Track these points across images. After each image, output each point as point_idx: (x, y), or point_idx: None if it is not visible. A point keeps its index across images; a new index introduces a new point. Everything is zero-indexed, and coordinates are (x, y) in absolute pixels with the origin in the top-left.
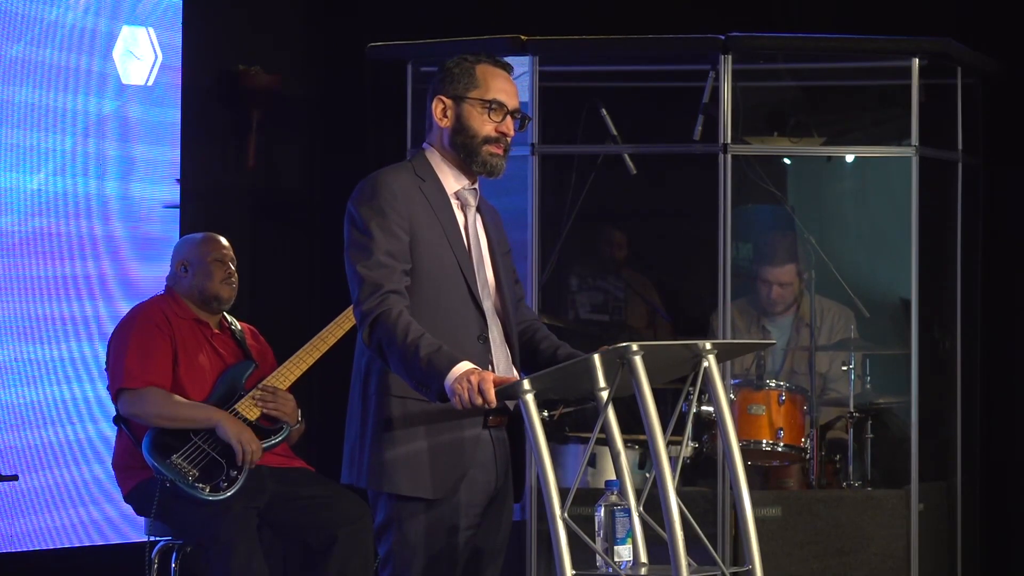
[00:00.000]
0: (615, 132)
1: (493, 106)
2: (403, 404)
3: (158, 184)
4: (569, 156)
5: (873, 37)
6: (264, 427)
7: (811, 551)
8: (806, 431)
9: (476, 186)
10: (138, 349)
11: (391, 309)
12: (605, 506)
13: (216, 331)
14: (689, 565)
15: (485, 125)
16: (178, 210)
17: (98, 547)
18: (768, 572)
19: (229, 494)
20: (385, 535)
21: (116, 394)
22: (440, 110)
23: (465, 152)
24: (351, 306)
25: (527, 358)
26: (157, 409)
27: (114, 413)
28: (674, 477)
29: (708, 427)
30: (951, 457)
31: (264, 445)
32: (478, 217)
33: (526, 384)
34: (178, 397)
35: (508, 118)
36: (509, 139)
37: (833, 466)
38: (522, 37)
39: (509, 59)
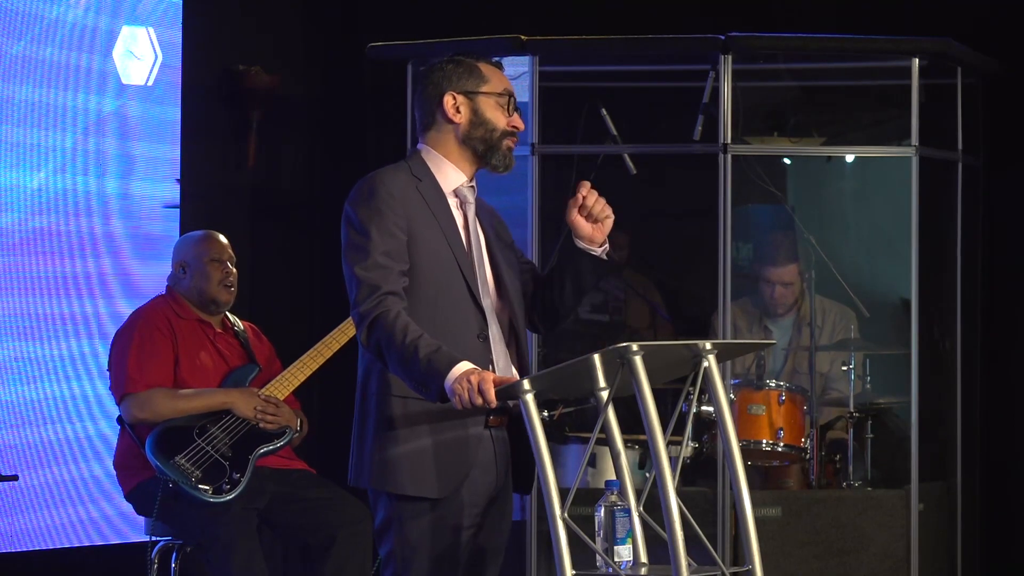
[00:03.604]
0: (615, 132)
1: (507, 98)
2: (404, 404)
3: (158, 183)
4: (569, 156)
5: (873, 37)
6: (267, 431)
7: (811, 551)
8: (806, 431)
9: (474, 183)
10: (138, 354)
11: (389, 310)
12: (605, 506)
13: (219, 331)
14: (689, 565)
15: (501, 118)
16: (178, 210)
17: (98, 547)
18: (768, 572)
19: (231, 496)
20: (386, 535)
21: (120, 400)
22: (452, 106)
23: (485, 146)
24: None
25: (544, 289)
26: (164, 407)
27: (116, 412)
28: (674, 477)
29: (708, 427)
30: (951, 457)
31: (267, 449)
32: (476, 215)
33: (526, 384)
34: (184, 390)
35: (516, 112)
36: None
37: (833, 466)
38: (522, 37)
39: (509, 59)
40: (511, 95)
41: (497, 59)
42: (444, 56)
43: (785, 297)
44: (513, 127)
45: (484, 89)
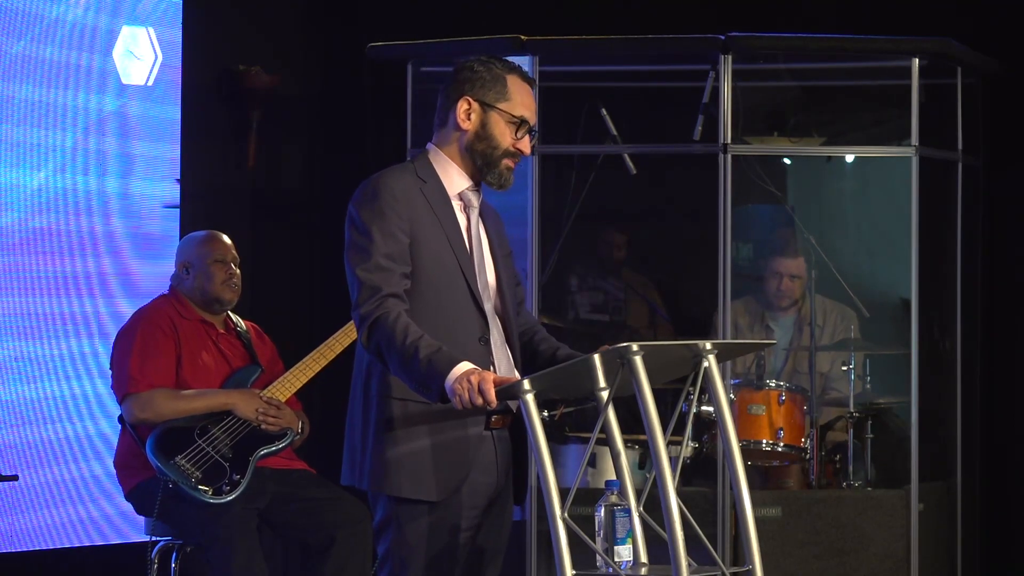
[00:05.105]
0: (615, 132)
1: (519, 123)
2: (404, 406)
3: (158, 182)
4: (569, 156)
5: (873, 37)
6: (269, 433)
7: (811, 551)
8: (806, 431)
9: (479, 187)
10: (140, 354)
11: (389, 312)
12: (605, 506)
13: (222, 331)
14: (689, 565)
15: (507, 138)
16: (178, 210)
17: (98, 547)
18: (768, 572)
19: (231, 497)
20: (384, 534)
21: (121, 400)
22: (464, 111)
23: (483, 160)
24: None
25: (526, 361)
26: (166, 407)
27: (117, 412)
28: (674, 477)
29: (708, 427)
30: (951, 457)
31: (268, 451)
32: (480, 218)
33: (526, 384)
34: (185, 390)
35: (527, 137)
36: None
37: (833, 466)
38: (522, 37)
39: (508, 59)
40: (524, 121)
41: (531, 76)
42: (471, 56)
43: (792, 290)
44: (517, 149)
45: (501, 106)
